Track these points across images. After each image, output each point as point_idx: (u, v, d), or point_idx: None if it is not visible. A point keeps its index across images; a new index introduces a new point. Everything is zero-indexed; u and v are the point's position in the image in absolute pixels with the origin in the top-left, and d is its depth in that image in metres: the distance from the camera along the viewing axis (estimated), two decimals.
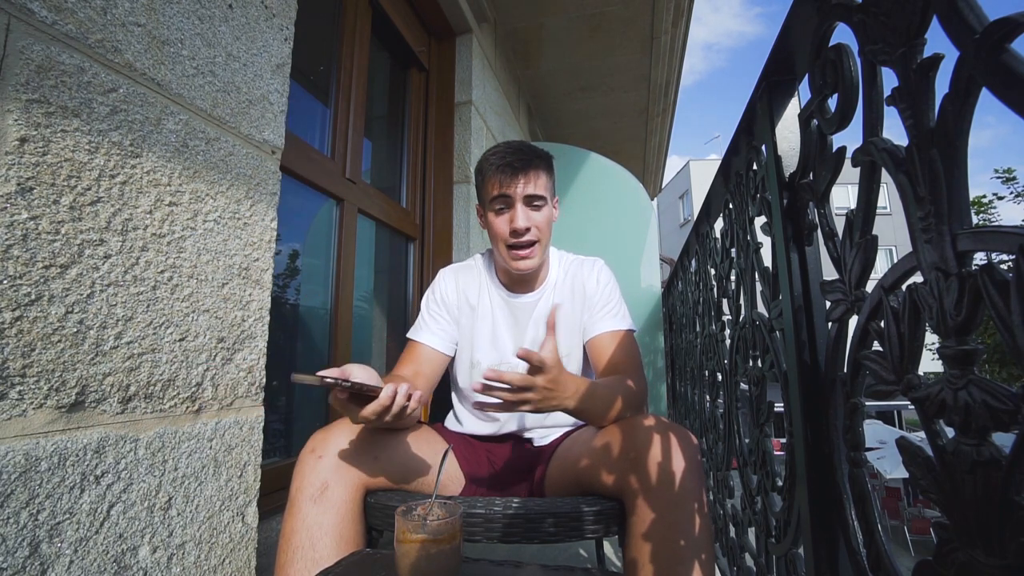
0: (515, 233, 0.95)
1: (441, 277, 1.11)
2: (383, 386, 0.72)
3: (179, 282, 0.79)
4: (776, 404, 0.89)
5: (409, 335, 1.06)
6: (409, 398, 0.73)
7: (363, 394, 0.71)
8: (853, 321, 0.55)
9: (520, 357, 0.71)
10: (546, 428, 1.04)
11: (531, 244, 0.97)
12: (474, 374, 1.05)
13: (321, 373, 0.68)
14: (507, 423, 1.04)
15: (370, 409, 0.71)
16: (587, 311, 1.02)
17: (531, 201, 0.96)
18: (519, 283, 1.06)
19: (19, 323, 0.58)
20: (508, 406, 0.73)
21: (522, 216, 0.95)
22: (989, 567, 0.36)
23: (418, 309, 1.10)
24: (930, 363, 13.78)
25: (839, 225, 0.58)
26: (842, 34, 0.58)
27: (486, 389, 0.70)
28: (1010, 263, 0.32)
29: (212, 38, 0.87)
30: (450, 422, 1.12)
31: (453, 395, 1.14)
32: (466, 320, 1.06)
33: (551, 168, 1.01)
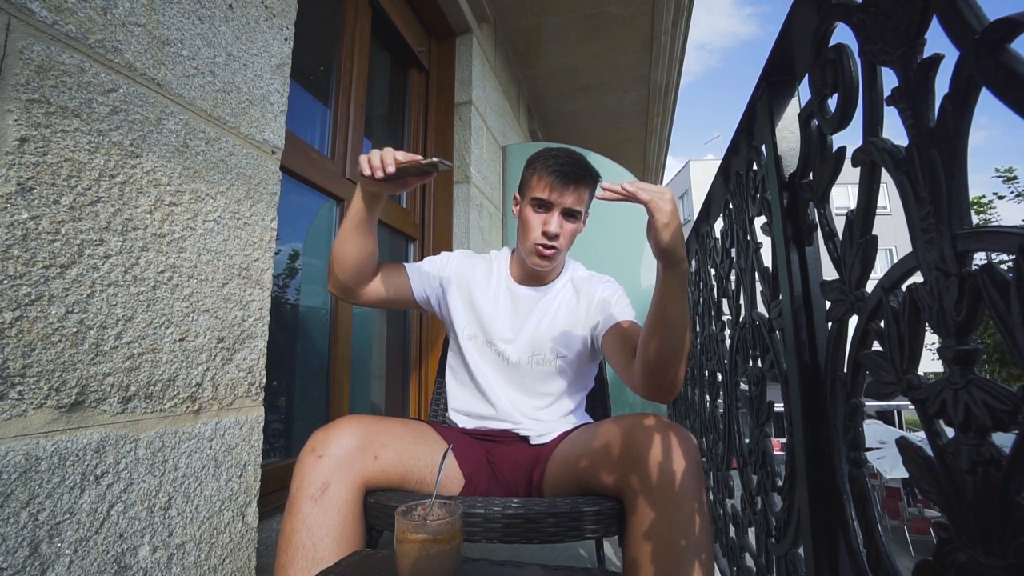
0: (546, 235, 1.01)
1: (456, 251, 1.19)
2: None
3: (179, 282, 0.79)
4: (776, 404, 0.89)
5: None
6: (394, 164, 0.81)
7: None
8: (853, 321, 0.55)
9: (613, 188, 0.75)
10: (544, 424, 1.04)
11: (555, 248, 1.03)
12: (468, 348, 1.08)
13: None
14: (502, 411, 1.04)
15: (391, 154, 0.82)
16: (604, 311, 1.05)
17: (569, 213, 1.02)
18: (529, 277, 1.11)
19: (19, 323, 0.58)
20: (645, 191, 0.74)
21: (556, 223, 1.01)
22: (989, 567, 0.36)
23: (417, 310, 1.12)
24: (930, 363, 13.78)
25: (839, 225, 0.58)
26: (842, 34, 0.58)
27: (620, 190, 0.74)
28: (1010, 263, 0.32)
29: (212, 38, 0.87)
30: (449, 416, 1.12)
31: (449, 375, 1.16)
32: (459, 293, 1.12)
33: (595, 188, 1.06)
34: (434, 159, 0.80)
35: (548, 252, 1.02)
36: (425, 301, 1.11)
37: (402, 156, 0.82)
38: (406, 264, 1.11)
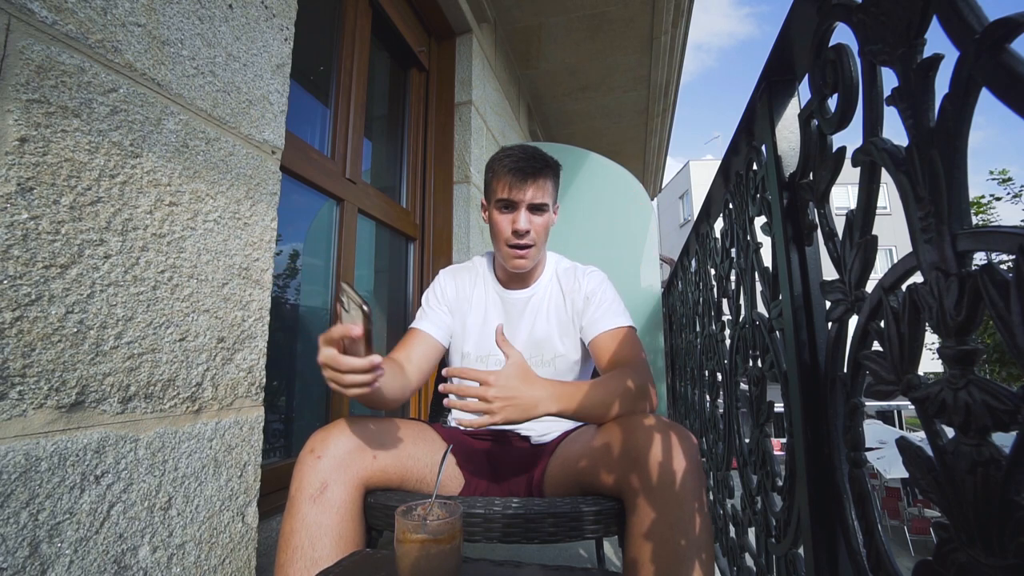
0: (516, 234, 1.01)
1: (441, 275, 1.18)
2: (373, 356, 0.69)
3: (179, 282, 0.79)
4: (776, 404, 0.89)
5: (411, 325, 1.11)
6: (373, 380, 0.71)
7: (364, 341, 0.69)
8: (853, 321, 0.55)
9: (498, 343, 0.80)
10: (545, 423, 1.04)
11: (529, 246, 1.03)
12: (464, 364, 1.09)
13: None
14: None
15: (348, 364, 0.68)
16: (585, 314, 1.05)
17: (535, 208, 1.02)
18: (514, 280, 1.12)
19: (19, 323, 0.58)
20: (480, 416, 0.77)
21: (524, 220, 1.01)
22: (989, 567, 0.36)
23: (418, 308, 1.14)
24: (930, 363, 13.78)
25: (839, 225, 0.58)
26: (842, 34, 0.58)
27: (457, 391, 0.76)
28: (1010, 263, 0.32)
29: (212, 38, 0.87)
30: (450, 420, 1.13)
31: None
32: (459, 315, 1.12)
33: (558, 176, 1.07)
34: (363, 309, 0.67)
35: (523, 252, 1.02)
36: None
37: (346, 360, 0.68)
38: (424, 328, 1.07)
